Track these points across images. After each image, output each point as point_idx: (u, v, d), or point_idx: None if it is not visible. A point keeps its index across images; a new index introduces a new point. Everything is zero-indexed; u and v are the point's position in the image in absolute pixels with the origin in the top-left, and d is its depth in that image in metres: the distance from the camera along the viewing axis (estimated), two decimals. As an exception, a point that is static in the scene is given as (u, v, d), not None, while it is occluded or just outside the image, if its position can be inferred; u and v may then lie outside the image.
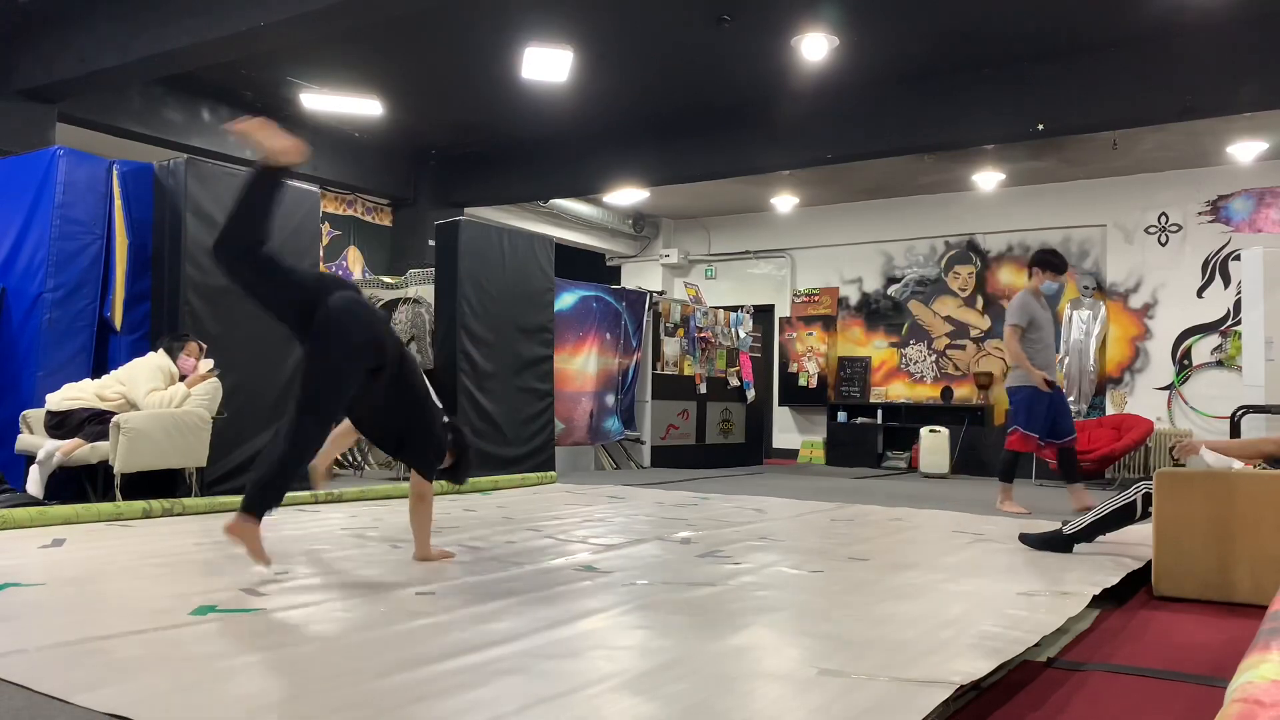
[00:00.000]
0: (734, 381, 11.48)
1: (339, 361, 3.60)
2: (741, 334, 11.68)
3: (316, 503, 6.09)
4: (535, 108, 9.20)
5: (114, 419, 5.52)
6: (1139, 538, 4.42)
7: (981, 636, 2.79)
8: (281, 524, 4.96)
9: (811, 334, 12.87)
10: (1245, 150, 9.62)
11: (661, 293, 11.53)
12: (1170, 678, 2.63)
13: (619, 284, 12.48)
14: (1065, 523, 4.54)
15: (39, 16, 7.13)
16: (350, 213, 10.97)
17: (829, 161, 9.63)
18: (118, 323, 6.30)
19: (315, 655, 2.55)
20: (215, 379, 6.01)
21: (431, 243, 8.79)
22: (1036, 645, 2.78)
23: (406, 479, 4.09)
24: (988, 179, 10.96)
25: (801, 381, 12.86)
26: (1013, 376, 6.55)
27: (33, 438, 5.73)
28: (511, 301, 8.32)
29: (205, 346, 6.11)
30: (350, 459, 8.79)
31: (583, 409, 9.58)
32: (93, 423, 5.63)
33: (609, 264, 14.54)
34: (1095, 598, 3.45)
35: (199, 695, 2.17)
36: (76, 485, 5.83)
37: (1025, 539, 4.65)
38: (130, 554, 4.05)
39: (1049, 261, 6.59)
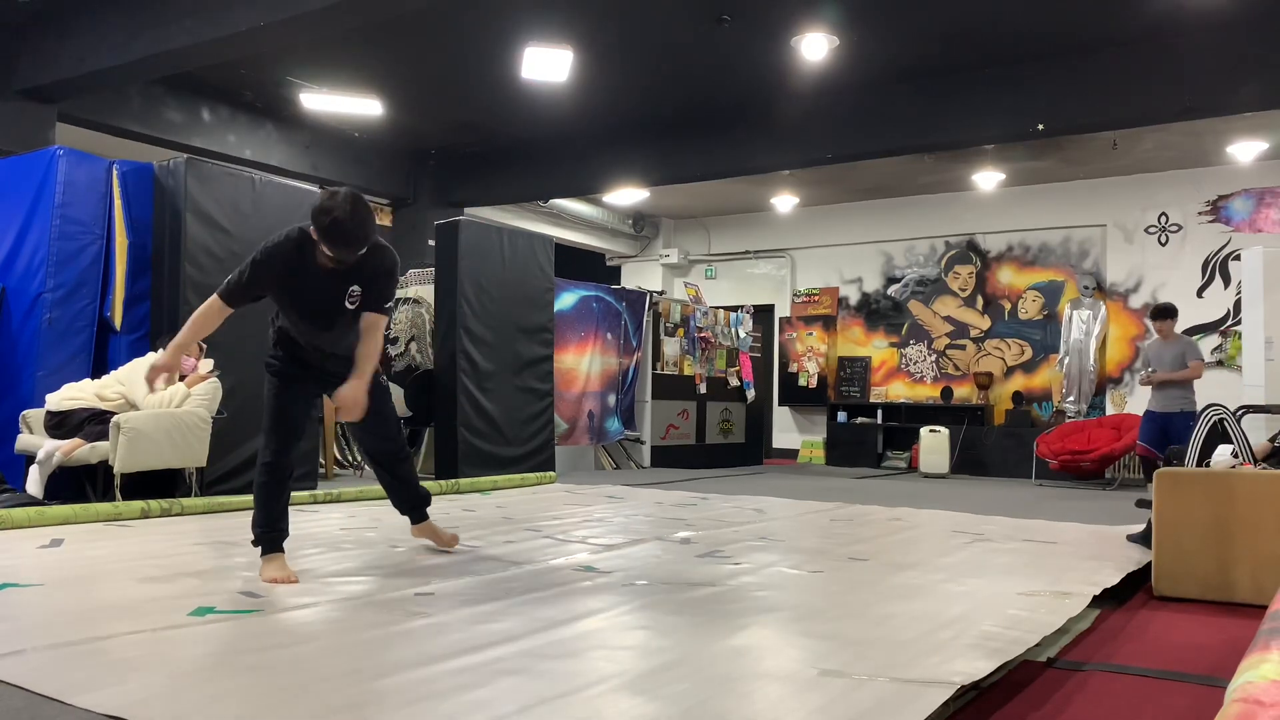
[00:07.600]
0: (734, 381, 11.47)
1: None
2: (741, 334, 11.67)
3: (315, 503, 6.09)
4: (535, 108, 9.20)
5: (114, 419, 5.52)
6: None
7: (982, 637, 2.79)
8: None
9: (811, 334, 12.87)
10: (1245, 150, 9.61)
11: (661, 293, 11.52)
12: (1170, 678, 2.63)
13: (619, 284, 12.47)
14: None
15: (39, 16, 7.13)
16: (350, 212, 10.94)
17: (829, 161, 9.63)
18: (118, 323, 6.30)
19: (314, 656, 2.54)
20: (215, 379, 6.01)
21: (431, 243, 8.78)
22: (1037, 645, 2.78)
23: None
24: (988, 179, 10.95)
25: (801, 381, 12.86)
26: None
27: (32, 438, 5.73)
28: (511, 301, 8.32)
29: (205, 346, 6.10)
30: (350, 459, 8.79)
31: (583, 409, 9.58)
32: (93, 423, 5.63)
33: (609, 264, 14.53)
34: (1095, 598, 3.46)
35: (198, 696, 2.17)
36: (76, 485, 5.83)
37: (1134, 539, 4.59)
38: (129, 554, 4.05)
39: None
